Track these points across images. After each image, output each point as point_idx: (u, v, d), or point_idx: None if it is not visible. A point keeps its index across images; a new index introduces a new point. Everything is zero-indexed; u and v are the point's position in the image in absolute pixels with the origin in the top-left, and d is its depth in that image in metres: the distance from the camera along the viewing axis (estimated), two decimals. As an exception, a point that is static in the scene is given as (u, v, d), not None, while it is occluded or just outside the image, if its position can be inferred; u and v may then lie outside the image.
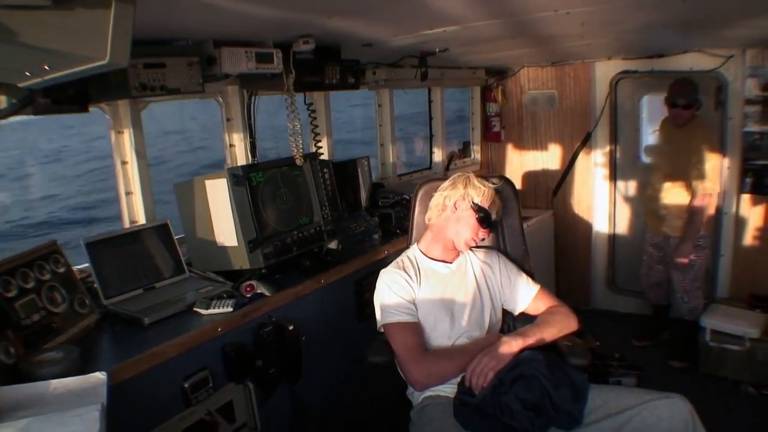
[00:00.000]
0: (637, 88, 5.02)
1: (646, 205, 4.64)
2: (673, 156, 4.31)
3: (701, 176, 4.09)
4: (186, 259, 2.94)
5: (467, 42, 3.36)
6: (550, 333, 2.45)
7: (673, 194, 4.30)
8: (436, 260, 2.63)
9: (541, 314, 2.58)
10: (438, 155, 5.16)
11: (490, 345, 2.35)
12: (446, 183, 2.66)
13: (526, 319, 2.61)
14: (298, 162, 3.11)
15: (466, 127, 5.80)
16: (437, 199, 2.64)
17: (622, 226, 5.35)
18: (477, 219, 2.55)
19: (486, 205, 2.56)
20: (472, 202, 2.55)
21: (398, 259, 2.65)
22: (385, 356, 2.47)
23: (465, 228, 2.56)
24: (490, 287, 2.63)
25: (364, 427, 3.30)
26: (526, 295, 2.63)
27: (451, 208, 2.59)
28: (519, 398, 2.17)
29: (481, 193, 2.57)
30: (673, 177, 4.30)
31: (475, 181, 2.59)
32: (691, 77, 4.28)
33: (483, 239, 2.64)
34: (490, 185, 2.62)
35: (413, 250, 2.70)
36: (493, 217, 2.60)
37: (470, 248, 2.65)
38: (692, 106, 4.14)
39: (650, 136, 5.12)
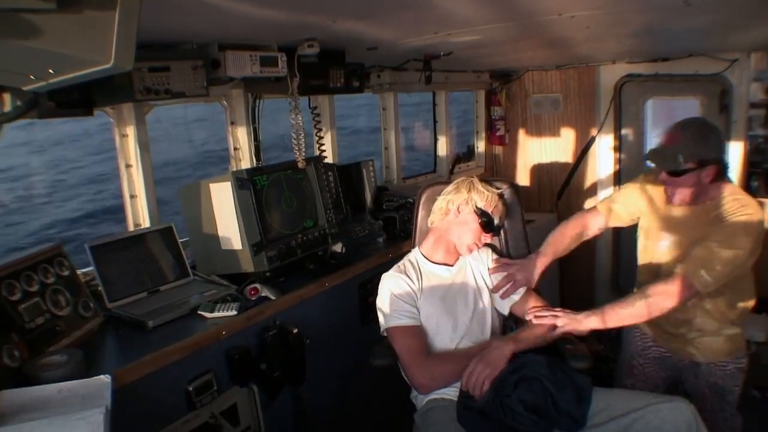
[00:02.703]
0: (642, 91, 5.00)
1: None
2: None
3: None
4: (190, 262, 2.94)
5: (472, 45, 3.35)
6: (539, 332, 2.45)
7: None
8: (438, 263, 2.63)
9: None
10: (442, 159, 5.15)
11: None
12: (450, 187, 2.65)
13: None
14: (300, 165, 3.11)
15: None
16: (440, 202, 2.64)
17: (626, 229, 5.32)
18: (480, 224, 2.55)
19: (489, 210, 2.56)
20: (476, 207, 2.55)
21: (400, 263, 2.65)
22: (389, 359, 2.47)
23: (467, 232, 2.56)
24: (489, 288, 2.63)
25: (368, 431, 3.29)
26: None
27: (454, 212, 2.58)
28: (522, 401, 2.17)
29: (484, 197, 2.56)
30: None
31: (479, 186, 2.59)
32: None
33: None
34: (494, 190, 2.62)
35: (415, 254, 2.69)
36: (497, 222, 2.59)
37: (472, 252, 2.64)
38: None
39: (656, 139, 5.10)
